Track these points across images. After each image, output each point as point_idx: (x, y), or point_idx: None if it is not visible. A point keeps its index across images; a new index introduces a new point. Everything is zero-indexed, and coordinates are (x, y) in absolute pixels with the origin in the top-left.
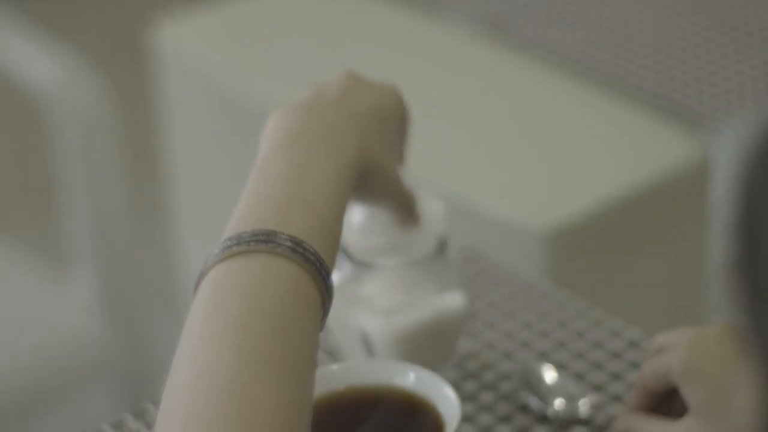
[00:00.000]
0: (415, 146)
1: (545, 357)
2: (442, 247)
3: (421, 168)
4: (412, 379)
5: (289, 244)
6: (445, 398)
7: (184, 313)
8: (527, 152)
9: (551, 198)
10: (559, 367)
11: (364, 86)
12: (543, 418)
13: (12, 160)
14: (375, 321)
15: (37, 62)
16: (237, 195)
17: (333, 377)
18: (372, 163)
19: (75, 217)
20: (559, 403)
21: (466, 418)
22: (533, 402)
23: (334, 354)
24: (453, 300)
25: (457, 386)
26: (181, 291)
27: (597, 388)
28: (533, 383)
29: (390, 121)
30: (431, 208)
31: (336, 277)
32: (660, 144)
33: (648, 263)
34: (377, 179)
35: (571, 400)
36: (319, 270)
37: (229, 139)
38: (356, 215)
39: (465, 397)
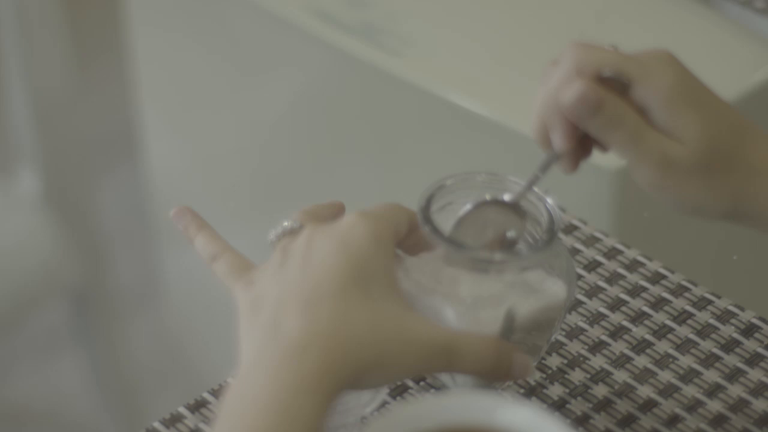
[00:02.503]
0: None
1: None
2: (551, 233)
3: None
4: (521, 418)
5: None
6: None
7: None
8: None
9: None
10: None
11: (336, 243)
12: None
13: None
14: (457, 312)
15: None
16: (202, 81)
17: (418, 414)
18: (363, 363)
19: (17, 112)
20: None
21: None
22: None
23: None
24: (554, 290)
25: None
26: (139, 188)
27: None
28: None
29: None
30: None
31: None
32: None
33: None
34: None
35: None
36: None
37: (194, 23)
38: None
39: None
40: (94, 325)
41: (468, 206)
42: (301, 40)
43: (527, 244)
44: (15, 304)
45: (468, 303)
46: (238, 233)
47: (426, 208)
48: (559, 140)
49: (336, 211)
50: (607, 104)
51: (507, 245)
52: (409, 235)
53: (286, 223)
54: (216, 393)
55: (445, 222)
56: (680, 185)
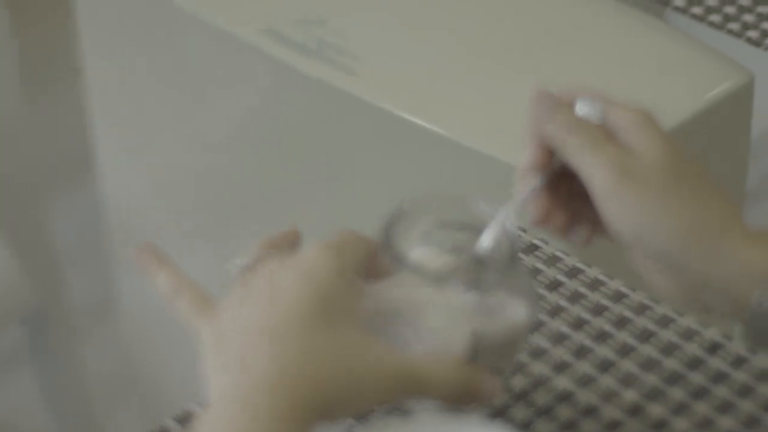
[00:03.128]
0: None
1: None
2: (513, 257)
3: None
4: None
5: None
6: None
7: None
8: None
9: None
10: None
11: (299, 275)
12: None
13: None
14: (421, 337)
15: None
16: (154, 101)
17: None
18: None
19: None
20: None
21: None
22: None
23: None
24: (516, 312)
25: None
26: (93, 208)
27: None
28: None
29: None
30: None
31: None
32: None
33: None
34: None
35: None
36: None
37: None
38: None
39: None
40: (49, 345)
41: (429, 230)
42: (253, 59)
43: (488, 265)
44: None
45: (431, 327)
46: (193, 253)
47: (387, 234)
48: (532, 151)
49: (292, 240)
50: (565, 109)
51: (469, 267)
52: (368, 263)
53: (243, 258)
54: (181, 420)
55: (406, 248)
56: (634, 194)
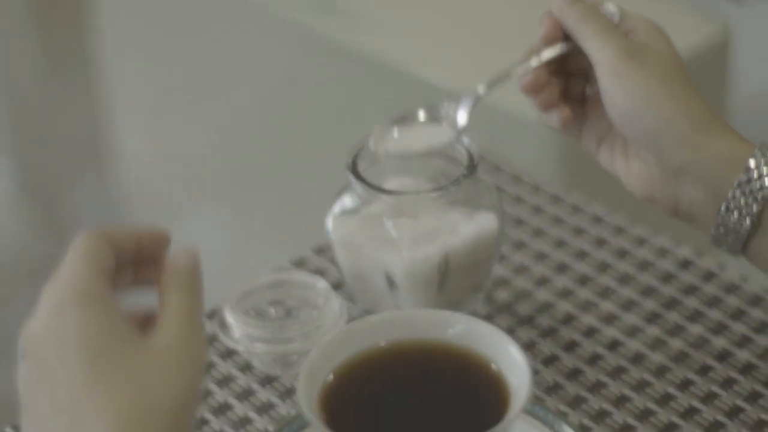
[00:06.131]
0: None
1: (589, 279)
2: (471, 166)
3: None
4: (465, 332)
5: None
6: (508, 358)
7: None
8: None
9: None
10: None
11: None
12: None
13: None
14: (396, 254)
15: None
16: (168, 74)
17: (372, 331)
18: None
19: None
20: None
21: None
22: None
23: (355, 302)
24: (484, 223)
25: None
26: (110, 182)
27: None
28: None
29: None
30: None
31: (350, 203)
32: (679, 20)
33: None
34: None
35: None
36: None
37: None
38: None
39: None
40: None
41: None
42: (267, 25)
43: (452, 180)
44: None
45: (403, 246)
46: (205, 222)
47: (354, 167)
48: (544, 29)
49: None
50: (587, 2)
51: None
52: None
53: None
54: None
55: (376, 179)
56: (638, 72)
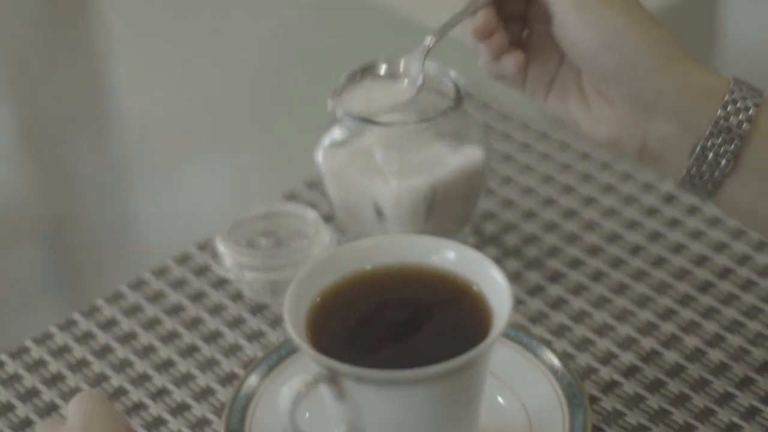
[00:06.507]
0: None
1: (575, 213)
2: (458, 99)
3: None
4: (449, 256)
5: None
6: (490, 280)
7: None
8: None
9: None
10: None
11: None
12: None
13: None
14: (385, 185)
15: None
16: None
17: (357, 256)
18: None
19: None
20: None
21: None
22: None
23: (345, 233)
24: (471, 156)
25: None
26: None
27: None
28: None
29: None
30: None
31: (339, 136)
32: None
33: None
34: None
35: None
36: None
37: None
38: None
39: None
40: (65, 268)
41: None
42: None
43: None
44: None
45: (391, 177)
46: (202, 174)
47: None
48: None
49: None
50: None
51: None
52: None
53: None
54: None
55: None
56: (598, 10)
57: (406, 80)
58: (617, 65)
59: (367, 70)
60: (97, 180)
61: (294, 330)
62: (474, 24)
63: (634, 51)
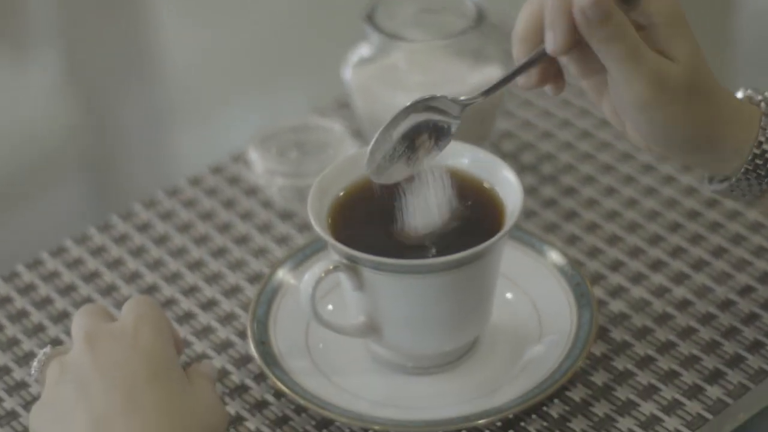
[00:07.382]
0: None
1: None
2: (479, 19)
3: None
4: (464, 157)
5: None
6: (503, 179)
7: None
8: None
9: None
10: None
11: (124, 344)
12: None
13: None
14: (408, 98)
15: None
16: None
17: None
18: None
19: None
20: None
21: None
22: None
23: (366, 140)
24: (490, 75)
25: None
26: (155, 71)
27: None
28: None
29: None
30: None
31: (367, 53)
32: None
33: None
34: None
35: None
36: None
37: None
38: None
39: None
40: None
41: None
42: None
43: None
44: (32, 179)
45: (414, 91)
46: (241, 118)
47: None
48: (560, 37)
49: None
50: (615, 15)
51: None
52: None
53: (45, 350)
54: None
55: None
56: (670, 104)
57: None
58: (664, 150)
59: None
60: (140, 119)
61: (316, 220)
62: (523, 83)
63: (682, 143)
